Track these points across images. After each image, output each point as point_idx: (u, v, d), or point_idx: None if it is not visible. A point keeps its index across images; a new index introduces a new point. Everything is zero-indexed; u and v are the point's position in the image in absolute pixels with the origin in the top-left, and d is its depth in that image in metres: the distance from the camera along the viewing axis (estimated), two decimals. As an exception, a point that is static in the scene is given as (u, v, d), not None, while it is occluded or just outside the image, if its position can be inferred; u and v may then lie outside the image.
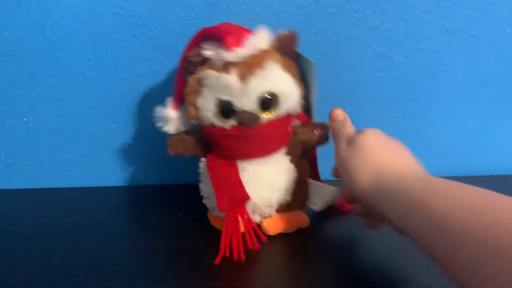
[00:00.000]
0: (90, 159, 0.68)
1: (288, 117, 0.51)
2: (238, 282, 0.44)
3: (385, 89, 0.68)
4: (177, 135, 0.53)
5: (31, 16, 0.60)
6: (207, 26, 0.61)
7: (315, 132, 0.52)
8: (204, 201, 0.53)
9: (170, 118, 0.52)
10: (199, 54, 0.48)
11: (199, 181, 0.53)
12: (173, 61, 0.62)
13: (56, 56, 0.62)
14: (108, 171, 0.68)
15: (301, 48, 0.52)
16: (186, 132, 0.53)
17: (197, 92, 0.48)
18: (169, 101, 0.53)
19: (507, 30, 0.67)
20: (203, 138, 0.52)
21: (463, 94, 0.69)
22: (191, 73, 0.49)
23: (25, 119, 0.65)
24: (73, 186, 0.68)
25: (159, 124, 0.53)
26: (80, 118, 0.65)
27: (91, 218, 0.57)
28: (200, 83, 0.48)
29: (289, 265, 0.48)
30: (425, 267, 0.46)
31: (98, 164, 0.68)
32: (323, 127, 0.53)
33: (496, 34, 0.67)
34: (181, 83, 0.51)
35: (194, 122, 0.50)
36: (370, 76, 0.67)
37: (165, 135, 0.62)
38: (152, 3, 0.61)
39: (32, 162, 0.67)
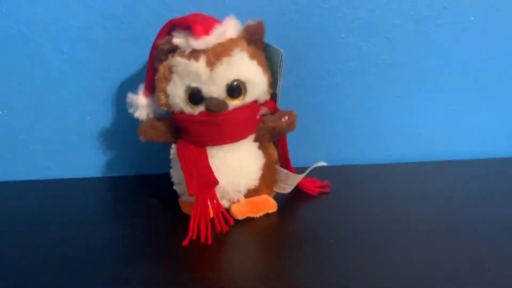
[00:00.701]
0: (68, 151, 0.69)
1: (256, 104, 0.53)
2: (207, 264, 0.45)
3: (354, 78, 0.69)
4: (148, 121, 0.54)
5: (3, 10, 0.61)
6: (179, 17, 0.62)
7: (282, 119, 0.54)
8: (174, 187, 0.55)
9: (141, 104, 0.54)
10: (169, 42, 0.49)
11: (170, 167, 0.55)
12: (145, 53, 0.62)
13: (30, 50, 0.63)
14: (85, 163, 0.69)
15: (272, 39, 0.53)
16: (157, 119, 0.55)
17: (167, 80, 0.50)
18: (141, 88, 0.55)
19: (472, 18, 0.69)
20: (174, 125, 0.53)
21: (431, 81, 0.71)
22: (161, 61, 0.51)
23: (0, 113, 0.66)
24: (51, 177, 0.69)
25: (130, 110, 0.54)
26: (56, 111, 0.66)
27: (69, 208, 0.59)
28: (170, 70, 0.50)
29: (256, 248, 0.49)
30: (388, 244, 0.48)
31: (75, 156, 0.69)
32: (291, 114, 0.54)
33: (461, 23, 0.69)
34: (151, 71, 0.53)
35: (164, 109, 0.52)
36: (339, 66, 0.69)
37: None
38: (124, -5, 0.62)
39: (10, 156, 0.68)
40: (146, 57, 0.63)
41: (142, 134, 0.54)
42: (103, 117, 0.67)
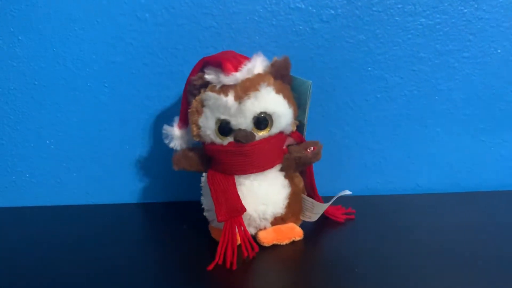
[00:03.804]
0: (106, 178, 0.73)
1: (282, 135, 0.55)
2: (233, 288, 0.48)
3: (381, 109, 0.71)
4: (181, 151, 0.58)
5: (54, 49, 0.67)
6: (212, 53, 0.66)
7: (308, 150, 0.56)
8: (204, 213, 0.57)
9: (175, 135, 0.58)
10: (201, 78, 0.53)
11: (201, 194, 0.57)
12: (180, 86, 0.67)
13: (75, 84, 0.68)
14: (122, 189, 0.73)
15: (300, 72, 0.56)
16: (190, 149, 0.58)
17: (199, 112, 0.53)
18: (176, 120, 0.58)
19: (499, 51, 0.70)
20: (205, 155, 0.56)
21: (458, 112, 0.72)
22: (194, 95, 0.54)
23: (47, 142, 0.71)
24: (90, 203, 0.74)
25: (165, 141, 0.58)
26: (97, 140, 0.71)
27: (106, 232, 0.62)
28: (202, 104, 0.53)
29: (280, 275, 0.51)
30: (421, 276, 0.49)
31: (113, 183, 0.73)
32: (316, 145, 0.56)
33: (487, 55, 0.70)
34: (185, 105, 0.57)
35: (196, 139, 0.56)
36: (366, 97, 0.71)
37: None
38: (161, 34, 0.66)
39: (53, 181, 0.72)
40: (181, 90, 0.67)
41: (176, 164, 0.57)
42: (140, 147, 0.71)
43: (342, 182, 0.74)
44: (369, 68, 0.69)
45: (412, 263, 0.51)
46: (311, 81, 0.55)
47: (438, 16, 0.68)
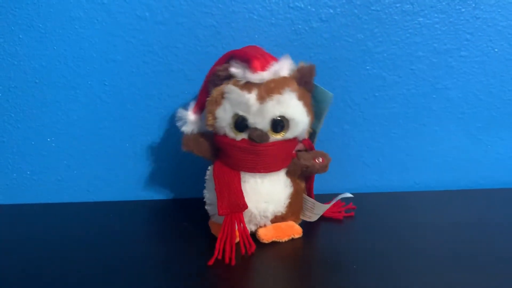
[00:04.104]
0: (107, 175, 0.73)
1: (294, 141, 0.56)
2: (232, 285, 0.48)
3: (379, 107, 0.72)
4: (193, 135, 0.58)
5: (54, 48, 0.67)
6: (212, 53, 0.67)
7: (316, 160, 0.56)
8: (206, 207, 0.58)
9: (189, 120, 0.58)
10: (226, 70, 0.53)
11: (204, 187, 0.58)
12: (181, 85, 0.68)
13: (76, 82, 0.69)
14: (122, 187, 0.74)
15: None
16: (201, 134, 0.58)
17: (217, 103, 0.54)
18: (191, 105, 0.59)
19: (496, 50, 0.70)
20: (215, 145, 0.57)
21: (456, 111, 0.73)
22: (215, 85, 0.54)
23: (48, 140, 0.71)
24: (91, 200, 0.74)
25: (178, 123, 0.58)
26: (98, 138, 0.71)
27: (106, 229, 0.62)
28: (222, 95, 0.53)
29: (279, 272, 0.51)
30: (419, 273, 0.49)
31: (113, 181, 0.73)
32: (325, 157, 0.57)
33: (485, 54, 0.70)
34: (205, 92, 0.57)
35: (209, 129, 0.56)
36: (365, 96, 0.71)
37: (174, 155, 0.68)
38: (161, 32, 0.67)
39: (54, 179, 0.73)
40: (181, 88, 0.68)
41: (185, 145, 0.57)
42: (140, 145, 0.72)
43: (340, 180, 0.74)
44: (368, 67, 0.70)
45: (409, 260, 0.52)
46: (332, 94, 0.56)
47: (436, 15, 0.68)
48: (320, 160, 0.56)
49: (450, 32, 0.69)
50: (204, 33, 0.67)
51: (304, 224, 0.60)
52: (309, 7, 0.67)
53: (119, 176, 0.73)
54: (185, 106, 0.59)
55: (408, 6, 0.68)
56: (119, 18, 0.66)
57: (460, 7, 0.68)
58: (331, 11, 0.67)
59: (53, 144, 0.71)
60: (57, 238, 0.60)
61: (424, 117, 0.73)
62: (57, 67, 0.68)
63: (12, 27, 0.66)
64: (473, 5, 0.68)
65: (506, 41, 0.70)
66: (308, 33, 0.68)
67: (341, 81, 0.70)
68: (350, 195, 0.62)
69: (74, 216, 0.68)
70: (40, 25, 0.66)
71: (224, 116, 0.53)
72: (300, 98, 0.53)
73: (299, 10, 0.67)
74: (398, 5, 0.67)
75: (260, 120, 0.52)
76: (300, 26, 0.68)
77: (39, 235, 0.61)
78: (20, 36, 0.66)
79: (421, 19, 0.68)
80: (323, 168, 0.57)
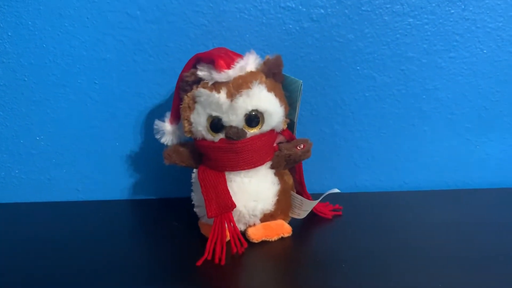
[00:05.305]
0: (96, 174, 0.73)
1: (273, 133, 0.56)
2: (222, 284, 0.48)
3: (369, 108, 0.72)
4: (173, 146, 0.58)
5: (44, 45, 0.67)
6: (202, 51, 0.67)
7: (297, 147, 0.56)
8: (195, 209, 0.58)
9: (167, 131, 0.58)
10: (194, 74, 0.54)
11: (191, 190, 0.58)
12: (171, 84, 0.68)
13: (65, 80, 0.68)
14: (112, 186, 0.73)
15: (290, 71, 0.57)
16: (181, 144, 0.59)
17: (191, 109, 0.54)
18: (167, 116, 0.59)
19: (485, 51, 0.71)
20: (196, 151, 0.57)
21: (445, 111, 0.73)
22: (186, 91, 0.55)
23: (37, 138, 0.70)
24: (80, 199, 0.74)
25: (157, 136, 0.59)
26: (87, 137, 0.71)
27: (96, 229, 0.62)
28: (194, 100, 0.54)
29: (269, 271, 0.52)
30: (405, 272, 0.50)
31: (103, 180, 0.73)
32: (306, 143, 0.57)
33: (474, 55, 0.71)
34: (177, 100, 0.57)
35: (188, 135, 0.56)
36: (355, 96, 0.71)
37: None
38: (152, 31, 0.67)
39: (43, 178, 0.73)
40: (172, 87, 0.68)
41: (167, 158, 0.57)
42: (130, 144, 0.72)
43: (331, 180, 0.75)
44: (358, 67, 0.70)
45: (398, 260, 0.52)
46: (301, 81, 0.56)
47: (426, 16, 0.69)
48: (302, 146, 0.56)
49: (439, 33, 0.70)
50: (195, 32, 0.67)
51: (294, 223, 0.60)
52: (300, 7, 0.67)
53: (108, 175, 0.73)
54: (162, 118, 0.59)
55: (398, 7, 0.68)
56: (110, 17, 0.66)
57: (449, 8, 0.69)
58: (322, 11, 0.67)
59: (42, 143, 0.71)
60: (45, 238, 0.59)
61: (413, 117, 0.73)
62: (46, 65, 0.67)
63: (1, 24, 0.66)
64: (463, 6, 0.69)
65: (494, 43, 0.70)
66: (299, 33, 0.68)
67: (331, 81, 0.70)
68: (338, 191, 0.62)
69: (63, 215, 0.68)
70: (30, 23, 0.66)
71: (198, 120, 0.53)
72: (270, 89, 0.53)
73: (290, 10, 0.67)
74: (388, 5, 0.68)
75: (234, 118, 0.52)
76: (291, 26, 0.68)
77: (28, 235, 0.61)
78: (9, 34, 0.66)
79: (411, 20, 0.69)
80: (305, 153, 0.57)
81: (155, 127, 0.59)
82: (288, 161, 0.57)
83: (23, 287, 0.48)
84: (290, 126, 0.59)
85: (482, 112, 0.74)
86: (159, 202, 0.72)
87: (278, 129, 0.56)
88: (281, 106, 0.54)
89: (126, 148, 0.72)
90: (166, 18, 0.66)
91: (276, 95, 0.54)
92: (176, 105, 0.57)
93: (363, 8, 0.68)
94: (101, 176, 0.73)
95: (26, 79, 0.68)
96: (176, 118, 0.58)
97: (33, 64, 0.67)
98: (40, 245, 0.57)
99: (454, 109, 0.73)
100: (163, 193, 0.74)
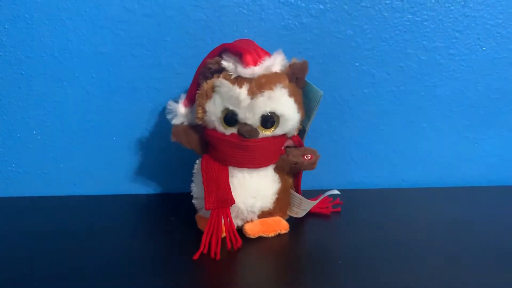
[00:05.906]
0: (93, 169, 0.72)
1: (284, 137, 0.56)
2: (218, 279, 0.48)
3: (368, 104, 0.72)
4: (183, 126, 0.58)
5: (41, 39, 0.66)
6: (201, 47, 0.67)
7: (305, 157, 0.56)
8: (193, 201, 0.58)
9: (179, 112, 0.58)
10: (218, 63, 0.53)
11: (192, 181, 0.58)
12: (169, 78, 0.68)
13: (63, 74, 0.68)
14: (109, 181, 0.73)
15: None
16: (191, 126, 0.58)
17: (208, 97, 0.53)
18: (182, 97, 0.58)
19: (484, 48, 0.71)
20: (204, 138, 0.56)
21: (444, 108, 0.73)
22: (206, 78, 0.54)
23: (34, 132, 0.70)
24: (77, 194, 0.73)
25: (168, 116, 0.58)
26: (84, 131, 0.70)
27: (93, 223, 0.62)
28: (213, 89, 0.53)
29: (265, 267, 0.52)
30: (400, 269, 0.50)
31: (100, 174, 0.73)
32: (314, 154, 0.57)
33: (473, 52, 0.71)
34: (195, 85, 0.56)
35: (199, 122, 0.55)
36: (353, 92, 0.71)
37: (162, 149, 0.67)
38: (150, 25, 0.66)
39: (40, 172, 0.72)
40: (170, 82, 0.68)
41: (174, 135, 0.57)
42: (127, 138, 0.71)
43: (328, 176, 0.75)
44: (357, 63, 0.70)
45: (395, 257, 0.52)
46: (322, 92, 0.55)
47: (425, 12, 0.68)
48: (309, 157, 0.56)
49: (439, 29, 0.69)
50: (193, 27, 0.67)
51: (291, 220, 0.60)
52: (299, 2, 0.67)
53: (106, 169, 0.72)
54: (176, 99, 0.59)
55: (397, 3, 0.68)
56: (107, 10, 0.65)
57: (449, 5, 0.68)
58: (321, 6, 0.67)
59: (39, 137, 0.71)
60: (42, 232, 0.59)
61: (412, 114, 0.73)
62: (43, 58, 0.67)
63: (-2, 17, 0.65)
64: (462, 3, 0.68)
65: (494, 40, 0.70)
66: (298, 29, 0.68)
67: (330, 77, 0.70)
68: (337, 192, 0.62)
69: (60, 209, 0.67)
70: (27, 16, 0.65)
71: (214, 110, 0.53)
72: (291, 94, 0.53)
73: (289, 5, 0.67)
74: (387, 1, 0.67)
75: (250, 116, 0.51)
76: (290, 22, 0.67)
77: (25, 229, 0.60)
78: (6, 27, 0.65)
79: (410, 16, 0.68)
80: (311, 165, 0.57)
81: (168, 107, 0.58)
82: (293, 169, 0.57)
83: (20, 282, 0.47)
84: (301, 132, 0.59)
85: (481, 109, 0.74)
86: (156, 197, 0.72)
87: (290, 134, 0.56)
88: (298, 112, 0.54)
89: (123, 143, 0.71)
90: (164, 12, 0.66)
91: (295, 101, 0.53)
92: (193, 89, 0.56)
93: (362, 4, 0.67)
94: (98, 170, 0.72)
95: (23, 72, 0.67)
96: (190, 102, 0.58)
97: (30, 57, 0.67)
98: (36, 239, 0.57)
99: (453, 106, 0.73)
100: (160, 188, 0.74)
